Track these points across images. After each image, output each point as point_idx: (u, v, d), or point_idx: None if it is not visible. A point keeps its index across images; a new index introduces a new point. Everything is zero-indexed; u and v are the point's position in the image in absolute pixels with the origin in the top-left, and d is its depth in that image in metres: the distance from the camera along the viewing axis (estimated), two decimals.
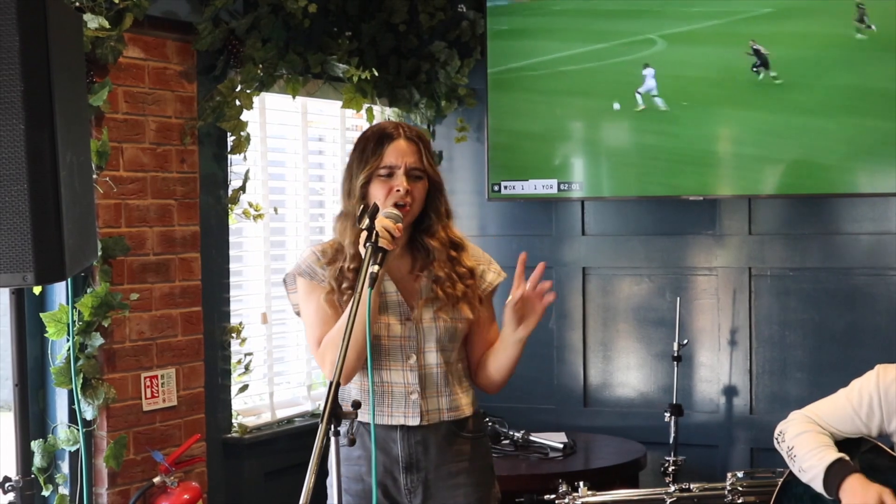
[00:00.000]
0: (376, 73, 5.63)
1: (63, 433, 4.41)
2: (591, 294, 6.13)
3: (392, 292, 3.38)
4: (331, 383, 2.80)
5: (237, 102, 4.93)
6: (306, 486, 2.67)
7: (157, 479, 4.48)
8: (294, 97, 5.32)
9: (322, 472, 2.89)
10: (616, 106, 5.69)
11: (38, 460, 4.35)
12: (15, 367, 3.26)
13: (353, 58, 5.50)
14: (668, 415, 5.22)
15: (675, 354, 5.35)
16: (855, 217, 5.59)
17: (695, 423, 5.78)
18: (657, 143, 5.69)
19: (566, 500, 4.42)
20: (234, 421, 5.15)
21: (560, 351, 6.18)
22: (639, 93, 5.61)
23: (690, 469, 5.26)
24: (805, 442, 3.53)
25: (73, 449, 4.41)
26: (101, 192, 4.39)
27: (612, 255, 6.07)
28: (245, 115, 4.99)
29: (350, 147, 5.86)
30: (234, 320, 5.13)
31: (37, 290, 4.34)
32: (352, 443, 3.17)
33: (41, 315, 4.29)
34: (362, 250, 3.09)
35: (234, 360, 5.13)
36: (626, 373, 6.08)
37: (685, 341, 5.42)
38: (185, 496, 4.49)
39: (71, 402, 4.39)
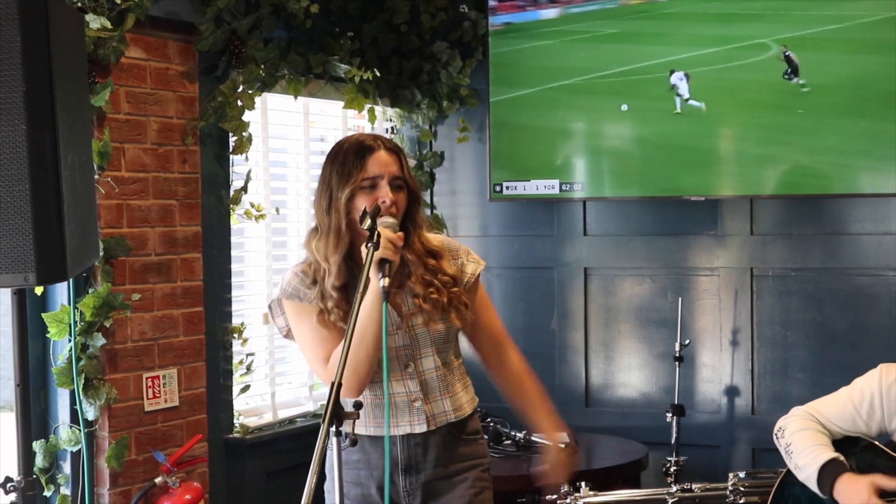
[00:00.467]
0: (378, 74, 5.63)
1: (65, 433, 4.42)
2: (593, 294, 6.13)
3: None
4: (332, 384, 2.80)
5: (239, 103, 4.93)
6: (308, 487, 2.67)
7: (158, 480, 4.48)
8: (296, 97, 5.32)
9: (320, 477, 2.89)
10: (624, 107, 5.69)
11: (39, 461, 4.35)
12: (17, 367, 3.26)
13: (354, 58, 5.50)
14: (669, 415, 5.22)
15: (677, 355, 5.35)
16: (856, 217, 5.58)
17: (696, 424, 5.77)
18: (658, 143, 5.69)
19: (568, 501, 4.42)
20: (235, 421, 5.15)
21: (562, 351, 6.17)
22: (679, 96, 5.60)
23: (692, 469, 5.25)
24: (802, 440, 3.53)
25: (75, 449, 4.41)
26: (102, 193, 4.39)
27: (613, 255, 6.07)
28: (247, 116, 4.99)
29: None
30: (235, 320, 5.14)
31: (38, 290, 4.34)
32: (353, 443, 3.17)
33: (43, 315, 4.30)
34: (364, 250, 3.08)
35: (235, 360, 5.13)
36: (628, 373, 6.08)
37: (687, 342, 5.41)
38: (187, 496, 4.49)
39: (73, 402, 4.39)
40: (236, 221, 5.12)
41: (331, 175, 3.33)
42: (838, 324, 5.66)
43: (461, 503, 3.40)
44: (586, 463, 5.29)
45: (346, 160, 3.32)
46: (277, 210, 5.44)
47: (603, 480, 4.77)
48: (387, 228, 3.15)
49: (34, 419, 4.22)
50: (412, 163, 6.06)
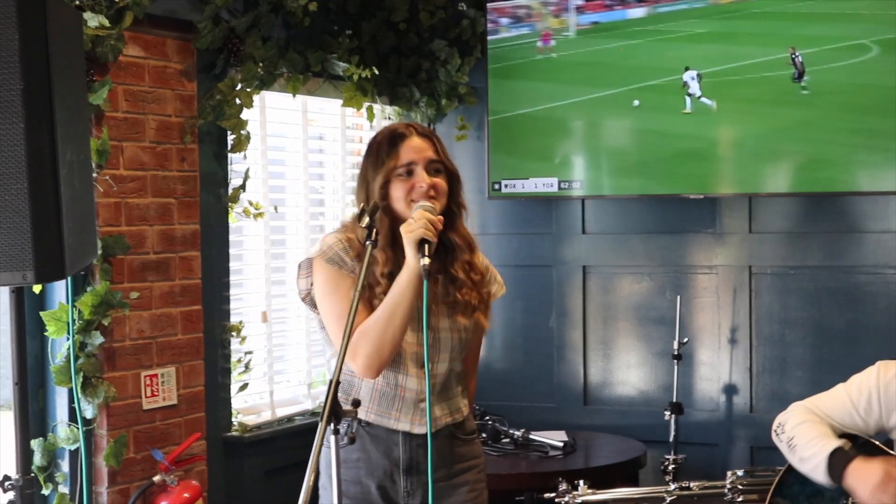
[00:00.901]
0: (377, 72, 5.63)
1: (63, 432, 4.41)
2: (592, 292, 6.13)
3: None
4: (330, 381, 2.79)
5: (237, 101, 4.93)
6: (306, 485, 2.67)
7: (157, 478, 4.48)
8: (294, 95, 5.32)
9: (318, 475, 2.89)
10: (636, 103, 5.69)
11: (37, 459, 4.35)
12: (15, 365, 3.26)
13: (353, 56, 5.50)
14: (668, 413, 5.21)
15: (676, 353, 5.34)
16: (855, 215, 5.59)
17: (695, 422, 5.78)
18: (657, 141, 5.69)
19: (566, 499, 4.43)
20: (234, 419, 5.15)
21: (560, 349, 6.18)
22: (690, 95, 5.59)
23: (690, 467, 5.25)
24: (805, 432, 3.52)
25: (73, 448, 4.40)
26: (101, 191, 4.38)
27: (612, 253, 6.07)
28: (245, 114, 4.99)
29: (350, 145, 5.92)
30: (234, 319, 5.13)
31: (37, 288, 4.34)
32: (352, 441, 3.17)
33: (41, 314, 4.29)
34: (368, 245, 3.08)
35: (234, 358, 5.13)
36: (627, 371, 6.08)
37: (685, 340, 5.41)
38: (185, 495, 4.49)
39: (71, 400, 4.39)
40: (235, 220, 5.11)
41: (366, 167, 3.35)
42: (837, 322, 5.66)
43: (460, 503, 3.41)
44: (585, 461, 5.29)
45: (380, 150, 3.33)
46: (276, 208, 5.43)
47: (601, 478, 4.78)
48: (425, 210, 3.17)
49: (32, 417, 4.22)
50: None
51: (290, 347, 5.65)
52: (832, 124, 5.40)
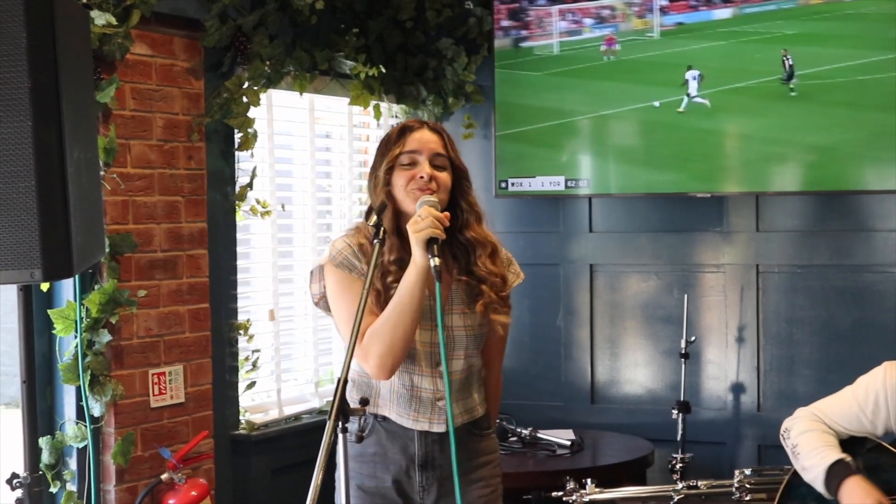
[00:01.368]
0: (383, 70, 5.62)
1: (71, 430, 4.42)
2: (599, 291, 6.13)
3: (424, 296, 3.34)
4: (338, 380, 2.80)
5: (244, 99, 4.93)
6: (314, 484, 2.67)
7: (164, 476, 4.49)
8: (301, 94, 5.32)
9: (332, 466, 2.89)
10: (656, 103, 5.68)
11: (45, 457, 4.35)
12: (23, 363, 3.27)
13: (360, 54, 5.50)
14: (675, 412, 5.21)
15: (683, 351, 5.34)
16: (863, 214, 5.58)
17: (702, 420, 5.77)
18: (664, 140, 5.69)
19: (574, 497, 4.42)
20: (241, 418, 5.15)
21: (567, 348, 6.17)
22: (688, 95, 5.59)
23: (698, 466, 5.24)
24: (808, 440, 3.52)
25: (81, 445, 4.41)
26: (108, 189, 4.39)
27: (619, 251, 6.06)
28: (252, 112, 4.99)
29: (357, 144, 5.93)
30: (241, 317, 5.14)
31: (44, 286, 4.34)
32: (359, 440, 3.17)
33: (49, 312, 4.30)
34: (376, 243, 3.08)
35: (241, 356, 5.13)
36: (634, 370, 6.08)
37: (693, 338, 5.41)
38: (193, 493, 4.50)
39: (79, 398, 4.39)
40: (242, 218, 5.12)
41: (376, 157, 3.37)
42: (844, 321, 5.65)
43: (475, 498, 3.41)
44: (592, 460, 5.29)
45: (390, 140, 3.37)
46: (283, 206, 5.43)
47: (609, 477, 4.78)
48: (430, 207, 3.16)
49: (40, 416, 4.22)
50: None
51: (297, 345, 5.66)
52: (838, 121, 5.40)
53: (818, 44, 5.51)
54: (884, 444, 3.53)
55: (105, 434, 4.48)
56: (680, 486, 4.44)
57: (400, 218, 3.28)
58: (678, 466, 5.00)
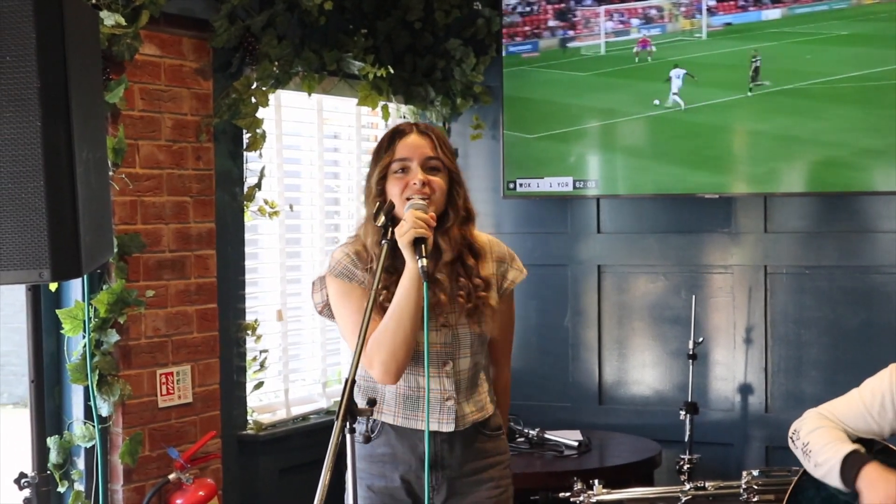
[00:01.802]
0: (392, 71, 5.63)
1: (79, 430, 4.42)
2: (607, 292, 6.13)
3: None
4: (346, 380, 2.80)
5: (253, 100, 4.94)
6: (321, 484, 2.67)
7: (172, 476, 4.49)
8: (310, 94, 5.32)
9: (341, 467, 2.89)
10: (656, 101, 5.68)
11: (53, 457, 4.36)
12: (31, 363, 3.28)
13: (368, 55, 5.50)
14: (683, 413, 5.21)
15: (691, 352, 5.34)
16: (871, 215, 5.57)
17: (710, 422, 5.77)
18: (673, 140, 5.68)
19: (581, 498, 4.42)
20: (249, 418, 5.15)
21: (575, 349, 6.17)
22: (674, 94, 5.59)
23: (705, 467, 5.25)
24: (820, 436, 3.52)
25: (89, 445, 4.41)
26: (116, 189, 4.39)
27: (627, 252, 6.06)
28: (261, 113, 5.00)
29: (366, 144, 5.94)
30: (249, 317, 5.14)
31: (53, 286, 4.35)
32: (367, 440, 3.18)
33: (57, 311, 4.30)
34: (384, 244, 3.08)
35: (249, 357, 5.13)
36: (642, 371, 6.07)
37: (700, 339, 5.41)
38: (200, 493, 4.50)
39: (87, 398, 4.40)
40: (250, 218, 5.12)
41: (370, 165, 3.37)
42: (852, 322, 5.65)
43: (484, 498, 3.41)
44: (600, 461, 5.29)
45: (380, 147, 3.36)
46: (291, 207, 5.44)
47: (616, 478, 4.78)
48: (416, 210, 3.15)
49: (48, 415, 4.23)
50: None
51: (305, 346, 5.66)
52: (846, 121, 5.39)
53: (870, 45, 5.41)
54: (890, 445, 3.53)
55: (113, 434, 4.49)
56: (687, 487, 4.43)
57: (394, 226, 3.25)
58: (686, 467, 5.00)
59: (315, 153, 5.62)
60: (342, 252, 3.37)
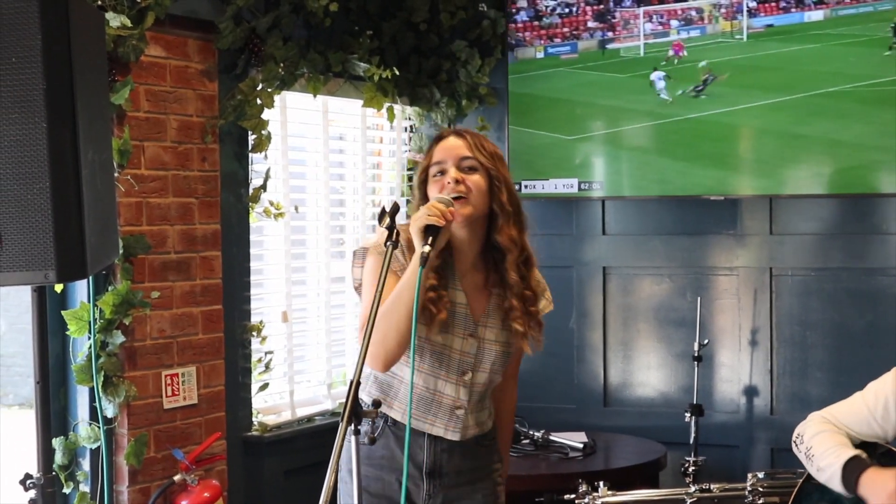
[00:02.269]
0: (397, 72, 5.63)
1: (84, 431, 4.43)
2: (612, 294, 6.13)
3: (461, 304, 3.34)
4: (351, 382, 2.80)
5: (258, 101, 4.94)
6: (326, 485, 2.67)
7: (177, 477, 4.49)
8: (315, 96, 5.32)
9: (338, 474, 2.89)
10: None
11: (59, 458, 4.36)
12: (36, 364, 3.27)
13: (373, 57, 5.50)
14: (688, 415, 5.20)
15: (696, 354, 5.33)
16: (877, 217, 5.56)
17: (715, 424, 5.76)
18: (678, 142, 5.68)
19: (586, 500, 4.42)
20: (254, 419, 5.15)
21: (580, 350, 6.17)
22: (657, 93, 5.61)
23: (711, 469, 5.24)
24: (822, 441, 3.52)
25: (94, 446, 4.42)
26: (122, 191, 4.40)
27: (632, 254, 6.06)
28: (266, 114, 5.00)
29: (371, 146, 5.94)
30: (254, 319, 5.14)
31: (58, 287, 4.35)
32: (372, 442, 3.17)
33: (62, 313, 4.31)
34: (388, 245, 3.08)
35: (254, 358, 5.13)
36: (647, 373, 6.07)
37: (706, 341, 5.40)
38: (206, 494, 4.50)
39: (92, 399, 4.40)
40: (255, 220, 5.12)
41: (416, 172, 3.42)
42: (857, 324, 5.64)
43: None
44: (605, 462, 5.29)
45: (425, 155, 3.41)
46: (296, 208, 5.43)
47: (621, 480, 4.77)
48: (440, 203, 3.15)
49: (54, 416, 4.23)
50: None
51: (310, 347, 5.66)
52: (853, 124, 5.39)
53: None
54: (893, 448, 3.52)
55: (118, 435, 4.49)
56: (692, 489, 4.43)
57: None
58: (691, 469, 4.99)
59: (320, 155, 5.62)
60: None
